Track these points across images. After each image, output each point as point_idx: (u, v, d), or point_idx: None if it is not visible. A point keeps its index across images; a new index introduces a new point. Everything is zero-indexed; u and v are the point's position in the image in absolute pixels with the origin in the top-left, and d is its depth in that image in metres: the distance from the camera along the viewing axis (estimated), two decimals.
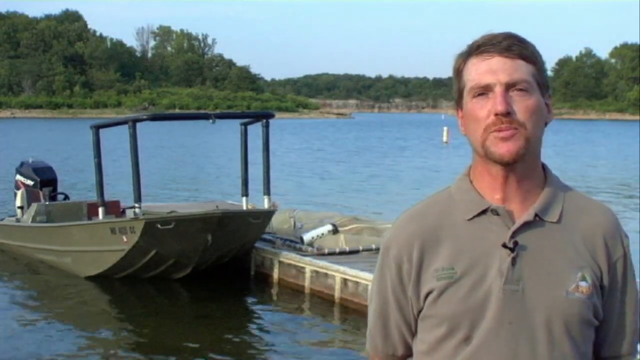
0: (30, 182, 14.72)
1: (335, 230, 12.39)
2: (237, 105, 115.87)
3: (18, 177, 14.97)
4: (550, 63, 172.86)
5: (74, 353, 9.30)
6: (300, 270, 11.95)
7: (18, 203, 14.63)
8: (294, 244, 12.50)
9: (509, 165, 1.77)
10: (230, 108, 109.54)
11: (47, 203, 14.12)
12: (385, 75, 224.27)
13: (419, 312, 1.84)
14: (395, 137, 66.00)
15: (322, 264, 11.49)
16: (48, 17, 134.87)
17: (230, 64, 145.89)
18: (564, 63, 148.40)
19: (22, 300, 11.96)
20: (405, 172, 32.24)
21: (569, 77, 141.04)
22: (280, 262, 12.36)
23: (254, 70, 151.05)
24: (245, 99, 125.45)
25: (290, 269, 12.19)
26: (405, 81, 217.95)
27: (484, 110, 1.76)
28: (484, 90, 1.77)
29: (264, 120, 13.20)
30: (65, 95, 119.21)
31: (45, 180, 14.71)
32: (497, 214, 1.79)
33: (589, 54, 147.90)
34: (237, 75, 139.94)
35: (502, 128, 1.74)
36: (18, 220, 14.53)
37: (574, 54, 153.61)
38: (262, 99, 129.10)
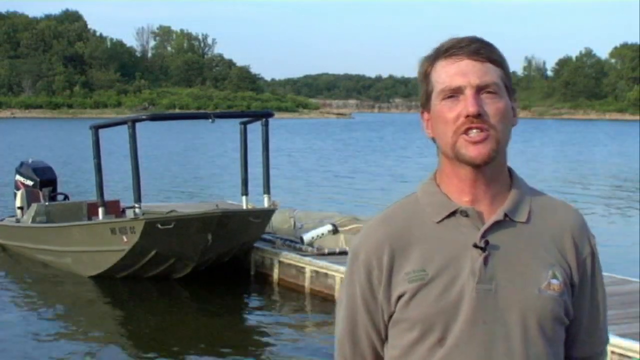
0: (30, 183, 14.71)
1: (335, 230, 12.39)
2: (237, 105, 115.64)
3: (18, 177, 14.96)
4: (550, 63, 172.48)
5: (74, 353, 9.30)
6: (300, 270, 11.95)
7: (18, 203, 14.63)
8: (294, 244, 12.49)
9: (478, 167, 1.77)
10: (230, 108, 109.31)
11: (47, 203, 14.11)
12: (385, 75, 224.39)
13: (390, 317, 1.82)
14: (396, 137, 66.01)
15: (322, 264, 11.49)
16: (48, 17, 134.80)
17: (230, 64, 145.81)
18: (564, 63, 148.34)
19: (22, 301, 11.96)
20: (405, 171, 32.24)
21: (569, 77, 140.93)
22: (280, 262, 12.36)
23: (254, 70, 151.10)
24: (245, 99, 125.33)
25: (290, 269, 12.19)
26: (405, 81, 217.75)
27: (453, 112, 1.76)
28: (454, 93, 1.76)
29: (264, 120, 13.21)
30: (65, 95, 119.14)
31: (45, 180, 14.71)
32: (467, 216, 1.79)
33: (589, 54, 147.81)
34: (237, 75, 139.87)
35: (473, 127, 1.74)
36: (18, 221, 14.53)
37: (574, 54, 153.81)
38: (262, 99, 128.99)
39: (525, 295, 1.76)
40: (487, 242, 1.77)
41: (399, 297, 1.79)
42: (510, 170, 1.87)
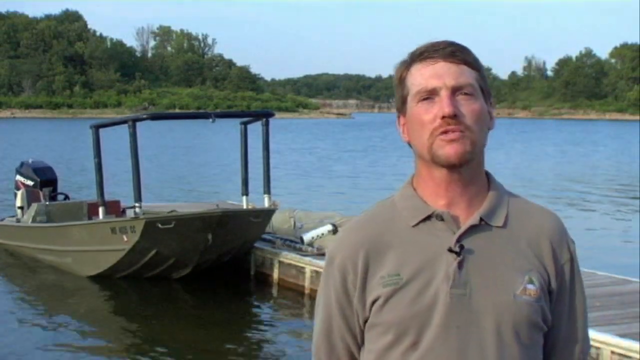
0: (30, 183, 14.73)
1: (335, 230, 12.38)
2: (237, 105, 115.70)
3: (18, 177, 14.98)
4: (550, 63, 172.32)
5: (74, 353, 9.31)
6: (300, 270, 11.95)
7: (18, 203, 14.64)
8: (294, 244, 12.50)
9: (454, 168, 1.77)
10: (230, 108, 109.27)
11: (47, 203, 14.12)
12: (385, 75, 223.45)
13: (365, 321, 1.81)
14: (396, 137, 65.89)
15: (322, 264, 11.45)
16: (48, 17, 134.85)
17: (230, 64, 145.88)
18: (564, 63, 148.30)
19: (22, 301, 11.97)
20: (407, 171, 32.18)
21: (569, 77, 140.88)
22: (280, 262, 12.37)
23: (254, 70, 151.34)
24: (245, 99, 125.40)
25: (290, 269, 12.20)
26: None
27: (429, 114, 1.76)
28: (430, 95, 1.76)
29: (264, 120, 13.22)
30: (65, 95, 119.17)
31: (45, 180, 14.72)
32: (442, 219, 1.78)
33: (589, 54, 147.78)
34: (237, 75, 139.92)
35: (449, 129, 1.73)
36: (18, 221, 14.54)
37: (574, 54, 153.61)
38: (262, 99, 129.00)
39: (499, 300, 1.75)
40: (462, 247, 1.76)
41: (374, 302, 1.78)
42: (487, 174, 1.86)
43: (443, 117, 1.73)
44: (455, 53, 1.78)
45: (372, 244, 1.81)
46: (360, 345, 1.85)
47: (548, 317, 1.81)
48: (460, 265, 1.75)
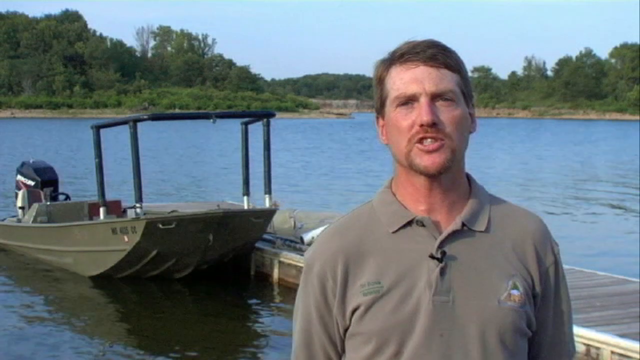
0: (31, 183, 14.74)
1: None
2: (237, 105, 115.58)
3: (19, 177, 14.99)
4: (550, 63, 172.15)
5: (74, 353, 9.32)
6: (300, 270, 11.92)
7: (19, 203, 14.65)
8: (294, 244, 12.53)
9: (433, 177, 1.73)
10: (230, 108, 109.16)
11: (48, 203, 14.14)
12: None
13: (345, 330, 1.77)
14: None
15: None
16: (48, 17, 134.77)
17: (230, 64, 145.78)
18: (564, 63, 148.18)
19: (23, 301, 11.98)
20: None
21: (569, 77, 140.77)
22: (280, 262, 12.39)
23: (254, 70, 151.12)
24: (245, 99, 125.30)
25: (290, 269, 12.22)
26: None
27: (408, 120, 1.71)
28: (409, 100, 1.72)
29: (265, 120, 13.24)
30: (65, 95, 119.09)
31: (46, 180, 14.73)
32: (423, 225, 1.74)
33: (589, 54, 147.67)
34: (237, 75, 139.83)
35: (427, 137, 1.70)
36: (19, 221, 14.55)
37: (574, 54, 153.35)
38: (262, 99, 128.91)
39: (484, 306, 1.72)
40: (443, 253, 1.72)
41: (354, 311, 1.74)
42: (469, 178, 1.83)
43: (421, 125, 1.70)
44: (437, 56, 1.73)
45: (351, 250, 1.77)
46: (340, 353, 1.81)
47: (533, 322, 1.78)
48: (442, 271, 1.72)
